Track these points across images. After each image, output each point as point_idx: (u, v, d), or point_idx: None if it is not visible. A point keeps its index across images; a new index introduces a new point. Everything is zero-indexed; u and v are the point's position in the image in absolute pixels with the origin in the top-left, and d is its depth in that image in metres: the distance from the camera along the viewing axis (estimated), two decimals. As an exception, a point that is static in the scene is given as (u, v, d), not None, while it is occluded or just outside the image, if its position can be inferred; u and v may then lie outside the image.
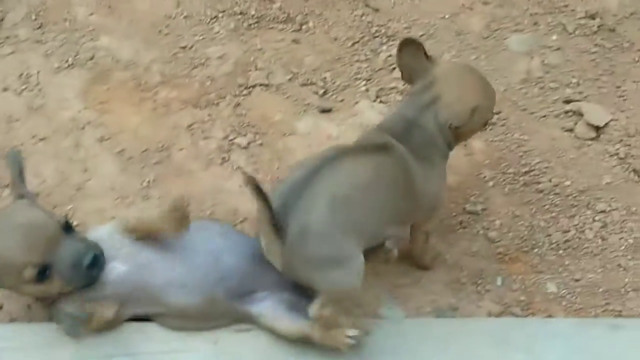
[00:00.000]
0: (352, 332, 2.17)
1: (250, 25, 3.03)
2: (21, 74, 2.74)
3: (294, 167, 2.32)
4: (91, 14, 2.90)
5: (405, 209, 2.32)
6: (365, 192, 2.19)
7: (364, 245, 2.24)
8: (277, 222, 2.08)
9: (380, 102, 2.93)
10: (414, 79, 2.38)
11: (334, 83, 2.96)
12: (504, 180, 2.81)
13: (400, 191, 2.27)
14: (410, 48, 2.36)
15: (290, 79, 2.94)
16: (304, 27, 3.08)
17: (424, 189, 2.31)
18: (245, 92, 2.87)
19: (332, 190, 2.15)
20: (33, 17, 2.84)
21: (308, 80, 2.94)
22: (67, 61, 2.79)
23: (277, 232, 2.09)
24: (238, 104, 2.83)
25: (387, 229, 2.34)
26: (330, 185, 2.15)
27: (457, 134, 2.35)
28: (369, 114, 2.89)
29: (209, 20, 2.99)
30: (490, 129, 2.89)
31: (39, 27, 2.83)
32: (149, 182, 2.63)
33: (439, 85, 2.32)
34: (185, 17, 2.97)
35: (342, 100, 2.92)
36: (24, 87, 2.72)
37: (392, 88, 2.97)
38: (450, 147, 2.39)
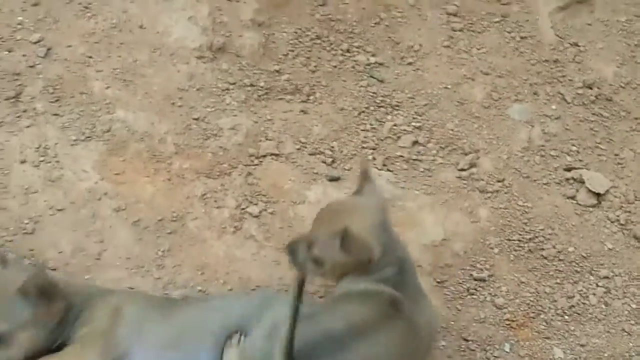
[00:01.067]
0: None
1: (260, 96, 3.12)
2: (39, 147, 2.81)
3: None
4: (107, 88, 2.99)
5: None
6: None
7: None
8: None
9: (388, 170, 3.02)
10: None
11: (341, 152, 3.04)
12: (509, 247, 2.89)
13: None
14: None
15: (299, 149, 3.02)
16: (311, 97, 3.18)
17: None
18: (256, 161, 2.95)
19: None
20: (50, 91, 2.92)
21: (316, 149, 3.03)
22: (83, 133, 2.87)
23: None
24: (249, 174, 2.91)
25: None
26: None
27: None
28: (377, 182, 2.97)
29: (220, 92, 3.08)
30: (495, 197, 2.98)
31: (56, 101, 2.92)
32: (163, 251, 2.69)
33: None
34: (197, 90, 3.06)
35: (350, 169, 3.01)
36: (41, 159, 2.80)
37: (398, 157, 3.06)
38: None
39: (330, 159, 3.02)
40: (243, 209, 2.84)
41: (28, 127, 2.86)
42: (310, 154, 3.02)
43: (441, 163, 3.08)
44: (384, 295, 2.26)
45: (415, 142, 3.12)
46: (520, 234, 2.92)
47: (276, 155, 2.98)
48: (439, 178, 3.05)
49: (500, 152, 3.14)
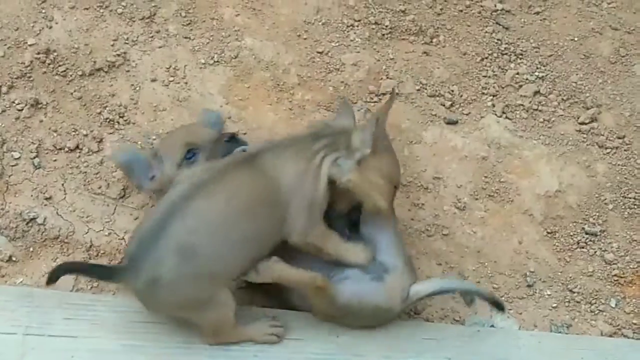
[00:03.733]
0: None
1: (383, 35, 3.14)
2: (169, 67, 2.91)
3: (152, 210, 2.35)
4: (237, 15, 3.06)
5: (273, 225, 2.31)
6: (216, 235, 2.21)
7: (236, 274, 2.29)
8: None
9: (507, 118, 3.01)
10: None
11: (461, 96, 3.05)
12: (624, 204, 2.86)
13: (264, 210, 2.28)
14: None
15: (419, 90, 3.04)
16: (434, 40, 3.18)
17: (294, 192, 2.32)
18: (375, 99, 2.99)
19: (181, 239, 2.17)
20: (183, 14, 3.01)
21: (436, 91, 3.04)
22: (212, 58, 2.95)
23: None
24: (368, 110, 2.95)
25: (261, 252, 2.30)
26: (178, 232, 2.17)
27: None
28: (495, 129, 2.97)
29: (345, 28, 3.12)
30: (614, 153, 2.94)
31: (188, 24, 3.00)
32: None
33: None
34: (323, 24, 3.10)
35: (468, 114, 3.01)
36: (171, 79, 2.90)
37: (519, 105, 3.04)
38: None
39: (449, 102, 3.03)
40: (360, 143, 2.89)
41: (160, 47, 2.96)
42: (430, 96, 3.04)
43: (561, 115, 3.05)
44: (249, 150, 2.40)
45: (537, 92, 3.09)
46: (636, 192, 2.88)
47: (396, 94, 3.01)
48: (558, 130, 3.02)
49: (623, 109, 3.08)
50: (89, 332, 2.29)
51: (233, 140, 2.51)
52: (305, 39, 3.07)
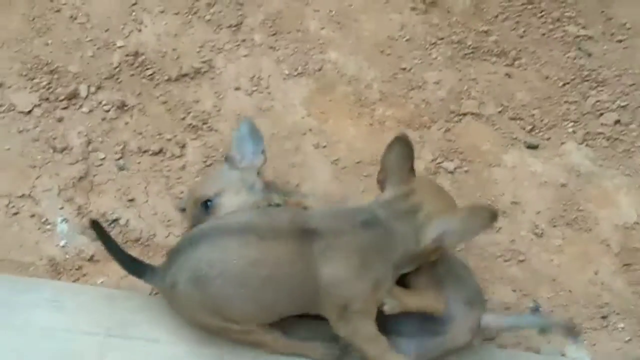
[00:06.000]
0: None
1: (466, 54, 3.14)
2: (253, 76, 2.94)
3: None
4: (322, 28, 3.07)
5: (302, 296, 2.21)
6: (230, 283, 2.16)
7: (243, 322, 2.24)
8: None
9: (587, 145, 2.99)
10: (389, 182, 2.30)
11: (541, 121, 3.03)
12: None
13: (293, 282, 2.18)
14: (403, 148, 2.28)
15: (500, 112, 3.03)
16: (516, 62, 3.16)
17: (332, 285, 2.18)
18: (456, 118, 2.99)
19: (200, 265, 2.17)
20: (269, 25, 3.03)
21: (517, 114, 3.03)
22: (296, 69, 2.97)
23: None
24: (448, 130, 2.95)
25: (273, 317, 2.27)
26: (201, 257, 2.17)
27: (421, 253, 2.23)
28: (575, 156, 2.95)
29: (428, 45, 3.12)
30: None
31: (274, 35, 3.03)
32: (362, 192, 2.78)
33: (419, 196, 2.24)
34: (407, 41, 3.11)
35: (548, 139, 3.00)
36: (254, 88, 2.92)
37: (599, 133, 3.02)
38: (403, 266, 2.26)
39: (530, 126, 3.01)
40: (438, 163, 2.89)
41: (245, 56, 2.99)
42: (511, 119, 3.02)
43: (642, 146, 3.03)
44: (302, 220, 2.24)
45: (618, 122, 3.06)
46: None
47: (477, 115, 3.00)
48: (638, 161, 2.99)
49: None
50: (170, 337, 2.32)
51: (206, 206, 2.42)
52: (388, 54, 3.08)
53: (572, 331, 2.48)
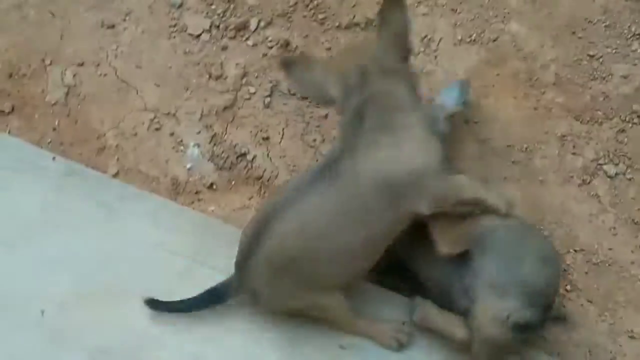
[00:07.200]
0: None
1: (673, 53, 2.77)
2: (425, 37, 2.81)
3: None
4: (514, -2, 2.86)
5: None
6: (306, 257, 2.11)
7: (339, 283, 2.19)
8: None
9: None
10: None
11: None
12: None
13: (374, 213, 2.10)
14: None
15: (693, 122, 2.65)
16: None
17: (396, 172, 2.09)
18: (636, 120, 2.66)
19: (276, 250, 2.12)
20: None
21: None
22: (470, 36, 2.79)
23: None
24: (622, 130, 2.64)
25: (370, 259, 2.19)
26: (274, 242, 2.12)
27: None
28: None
29: (630, 36, 2.78)
30: None
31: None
32: (504, 178, 2.59)
33: None
34: (606, 26, 2.79)
35: None
36: (422, 49, 2.79)
37: None
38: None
39: None
40: (600, 164, 2.61)
41: (423, 14, 2.86)
42: None
43: None
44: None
45: None
46: None
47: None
48: None
49: None
50: (248, 276, 2.33)
51: None
52: (579, 37, 2.79)
53: None
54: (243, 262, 2.19)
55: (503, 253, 2.17)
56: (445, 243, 2.17)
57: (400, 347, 2.28)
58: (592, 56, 2.76)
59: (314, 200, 2.11)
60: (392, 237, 2.17)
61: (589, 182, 2.59)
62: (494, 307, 2.13)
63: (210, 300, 2.23)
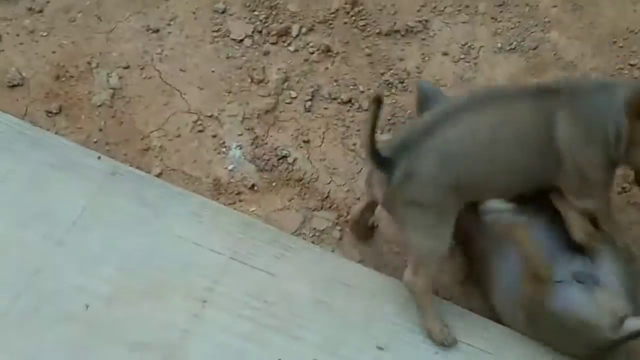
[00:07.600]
0: None
1: None
2: (465, 44, 2.84)
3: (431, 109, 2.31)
4: (554, 6, 2.87)
5: (537, 167, 2.19)
6: (478, 153, 2.15)
7: (483, 197, 2.16)
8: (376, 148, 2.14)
9: None
10: None
11: None
12: None
13: (531, 147, 2.17)
14: None
15: None
16: None
17: (571, 152, 2.16)
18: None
19: (445, 145, 2.14)
20: (502, -6, 2.91)
21: None
22: (510, 44, 2.82)
23: (375, 156, 2.14)
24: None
25: (511, 187, 2.21)
26: (445, 138, 2.14)
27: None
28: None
29: (674, 47, 2.79)
30: None
31: (500, 5, 2.88)
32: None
33: None
34: (648, 36, 2.81)
35: None
36: (463, 56, 2.82)
37: None
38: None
39: None
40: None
41: (463, 22, 2.89)
42: None
43: None
44: None
45: None
46: None
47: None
48: None
49: None
50: (287, 275, 2.36)
51: None
52: (620, 46, 2.81)
53: None
54: (406, 146, 2.18)
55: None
56: (580, 232, 2.24)
57: (441, 345, 2.28)
58: (633, 65, 2.77)
59: (508, 110, 2.20)
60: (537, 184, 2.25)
61: None
62: (618, 302, 2.15)
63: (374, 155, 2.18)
